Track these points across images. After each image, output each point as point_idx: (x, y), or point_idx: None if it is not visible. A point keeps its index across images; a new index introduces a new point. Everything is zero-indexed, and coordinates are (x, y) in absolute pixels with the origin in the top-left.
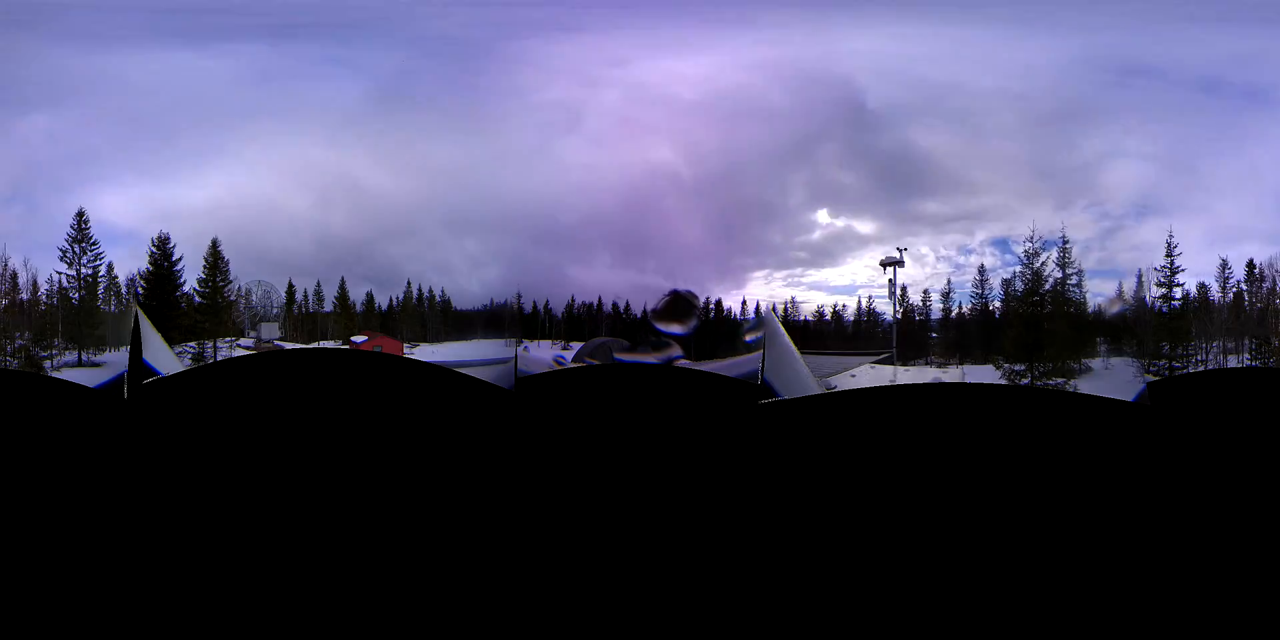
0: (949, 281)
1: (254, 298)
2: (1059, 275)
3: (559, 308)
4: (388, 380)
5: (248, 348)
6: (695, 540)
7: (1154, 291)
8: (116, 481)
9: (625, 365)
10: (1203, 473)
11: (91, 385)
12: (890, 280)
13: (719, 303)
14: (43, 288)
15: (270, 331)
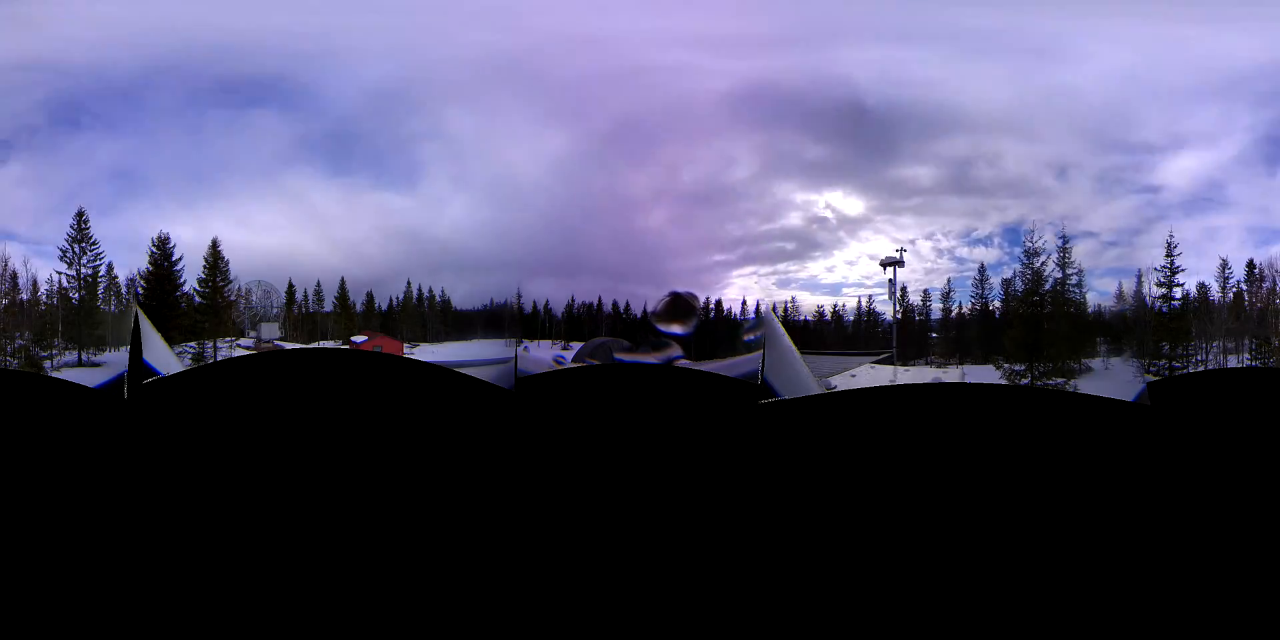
0: (949, 281)
1: (254, 298)
2: (1059, 275)
3: (559, 308)
4: (388, 380)
5: (248, 348)
6: (695, 539)
7: (1154, 291)
8: (117, 481)
9: (625, 365)
10: (1202, 472)
11: (91, 385)
12: (890, 280)
13: (719, 303)
14: (43, 288)
15: (270, 331)
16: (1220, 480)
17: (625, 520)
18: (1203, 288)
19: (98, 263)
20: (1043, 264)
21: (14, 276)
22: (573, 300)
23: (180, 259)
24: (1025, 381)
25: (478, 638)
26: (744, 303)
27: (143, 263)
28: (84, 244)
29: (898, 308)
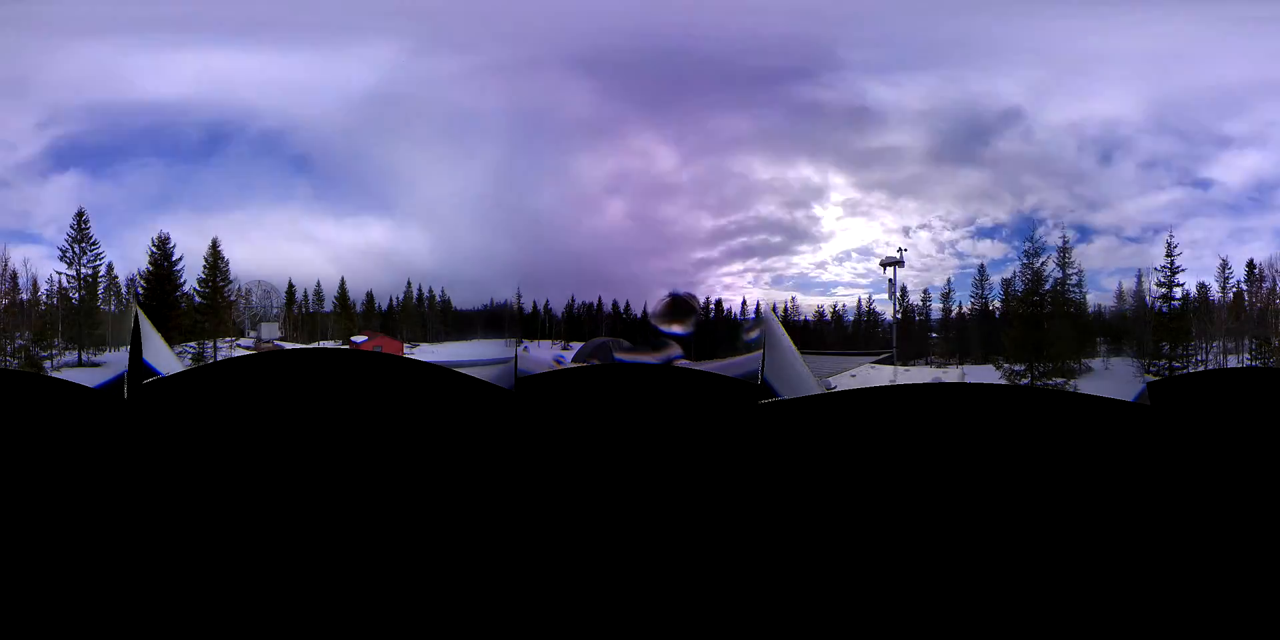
0: (949, 280)
1: (254, 298)
2: (1059, 275)
3: (559, 308)
4: (388, 380)
5: (248, 348)
6: (695, 538)
7: (1154, 291)
8: (117, 481)
9: (625, 365)
10: (1202, 472)
11: (91, 385)
12: (890, 280)
13: (719, 303)
14: (43, 288)
15: (270, 331)
16: (1220, 479)
17: (625, 519)
18: (1203, 288)
19: (98, 263)
20: (1043, 264)
21: (14, 276)
22: (573, 300)
23: (180, 259)
24: (1025, 381)
25: (478, 637)
26: (744, 303)
27: (143, 263)
28: (84, 244)
29: (898, 308)
